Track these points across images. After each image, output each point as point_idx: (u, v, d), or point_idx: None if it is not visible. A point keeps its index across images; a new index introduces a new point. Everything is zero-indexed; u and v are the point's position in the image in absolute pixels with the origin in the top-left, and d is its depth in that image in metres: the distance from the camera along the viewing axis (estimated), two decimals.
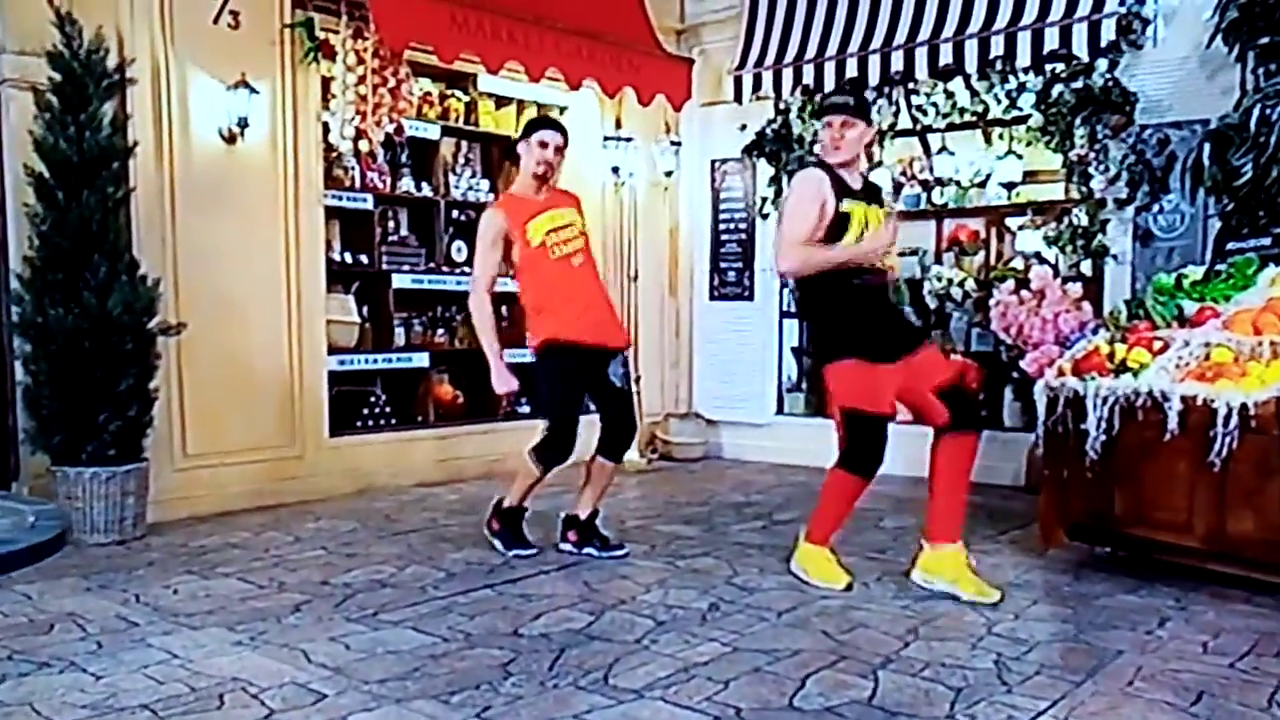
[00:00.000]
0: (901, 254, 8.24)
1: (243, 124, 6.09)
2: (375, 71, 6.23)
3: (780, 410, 8.55)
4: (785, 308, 8.60)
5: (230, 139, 6.12)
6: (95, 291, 5.21)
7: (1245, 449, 4.33)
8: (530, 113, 8.34)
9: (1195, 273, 5.40)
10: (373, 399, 7.11)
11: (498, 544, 5.28)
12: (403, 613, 4.25)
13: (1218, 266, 5.39)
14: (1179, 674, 3.58)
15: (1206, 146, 5.78)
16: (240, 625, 4.07)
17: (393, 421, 7.21)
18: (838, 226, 4.49)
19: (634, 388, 5.59)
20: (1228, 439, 4.35)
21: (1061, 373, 5.09)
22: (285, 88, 6.36)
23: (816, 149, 4.96)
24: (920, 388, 4.56)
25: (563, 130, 5.31)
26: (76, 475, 5.30)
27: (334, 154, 6.75)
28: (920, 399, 4.60)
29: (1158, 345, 4.86)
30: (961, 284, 7.80)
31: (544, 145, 5.17)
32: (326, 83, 6.56)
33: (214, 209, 6.08)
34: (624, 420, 5.27)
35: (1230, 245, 5.55)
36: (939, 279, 7.83)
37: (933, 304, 7.95)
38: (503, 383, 5.26)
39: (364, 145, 6.31)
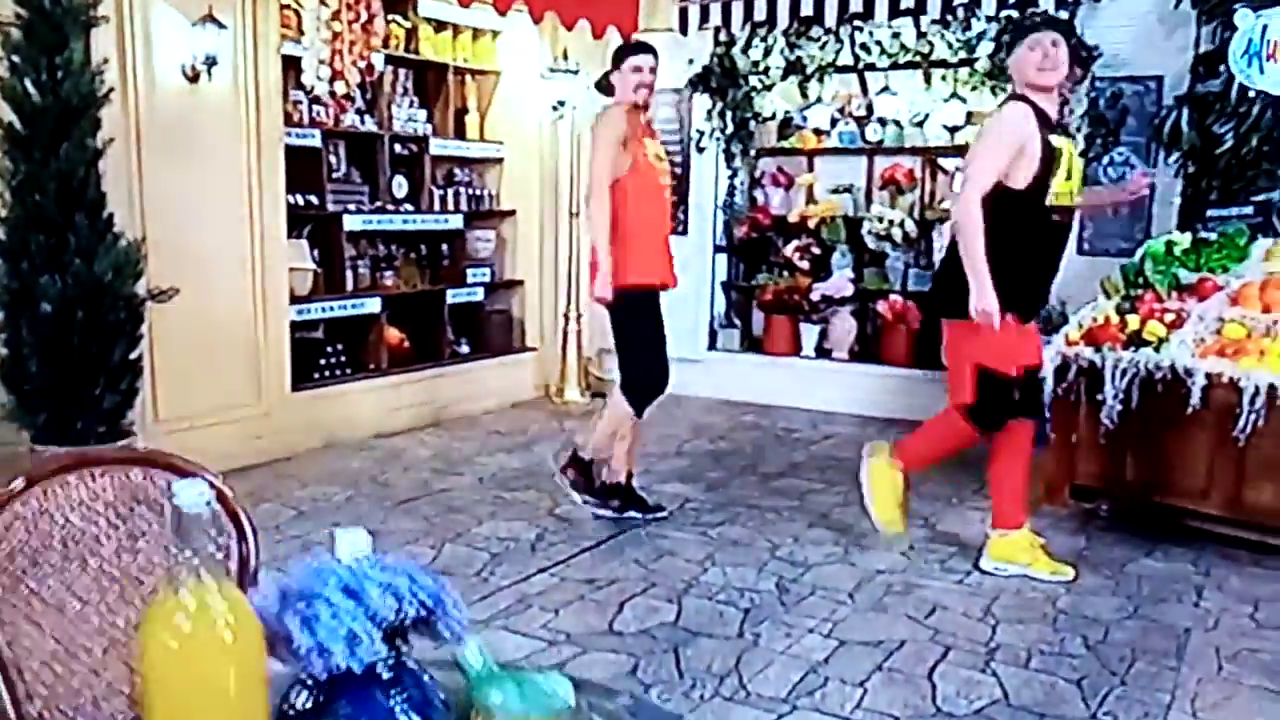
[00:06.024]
0: (835, 191, 8.43)
1: (210, 62, 5.59)
2: (349, 7, 5.82)
3: (713, 346, 8.57)
4: (718, 242, 8.58)
5: (194, 78, 5.61)
6: (82, 255, 4.76)
7: (1269, 425, 4.61)
8: (466, 37, 8.01)
9: (1182, 240, 5.63)
10: (329, 349, 6.79)
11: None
12: (481, 609, 4.10)
13: (1205, 234, 5.63)
14: (1256, 653, 3.83)
15: (1185, 111, 6.03)
16: None
17: (348, 371, 6.90)
18: (1045, 165, 4.20)
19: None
20: (1254, 417, 4.62)
21: (1070, 341, 5.25)
22: (245, 22, 5.85)
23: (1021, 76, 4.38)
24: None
25: (654, 52, 5.07)
26: None
27: (296, 93, 6.33)
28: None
29: (1169, 318, 5.07)
30: (901, 225, 7.93)
31: (638, 70, 4.95)
32: (283, 12, 6.11)
33: (178, 156, 5.58)
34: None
35: (1211, 213, 5.81)
36: (880, 220, 7.93)
37: (872, 244, 8.06)
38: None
39: (340, 87, 5.90)
